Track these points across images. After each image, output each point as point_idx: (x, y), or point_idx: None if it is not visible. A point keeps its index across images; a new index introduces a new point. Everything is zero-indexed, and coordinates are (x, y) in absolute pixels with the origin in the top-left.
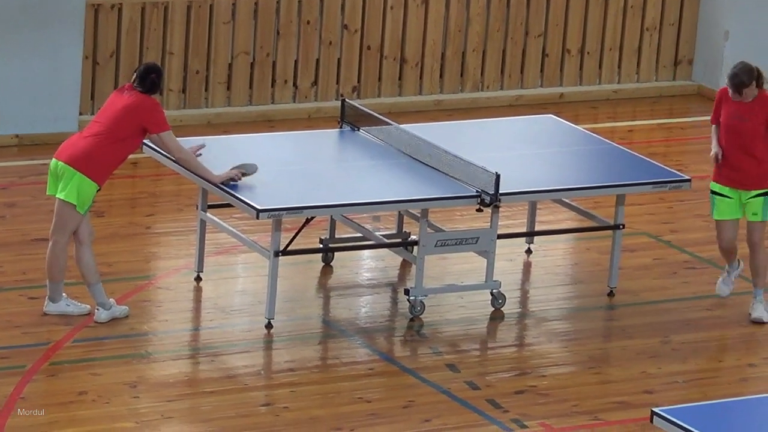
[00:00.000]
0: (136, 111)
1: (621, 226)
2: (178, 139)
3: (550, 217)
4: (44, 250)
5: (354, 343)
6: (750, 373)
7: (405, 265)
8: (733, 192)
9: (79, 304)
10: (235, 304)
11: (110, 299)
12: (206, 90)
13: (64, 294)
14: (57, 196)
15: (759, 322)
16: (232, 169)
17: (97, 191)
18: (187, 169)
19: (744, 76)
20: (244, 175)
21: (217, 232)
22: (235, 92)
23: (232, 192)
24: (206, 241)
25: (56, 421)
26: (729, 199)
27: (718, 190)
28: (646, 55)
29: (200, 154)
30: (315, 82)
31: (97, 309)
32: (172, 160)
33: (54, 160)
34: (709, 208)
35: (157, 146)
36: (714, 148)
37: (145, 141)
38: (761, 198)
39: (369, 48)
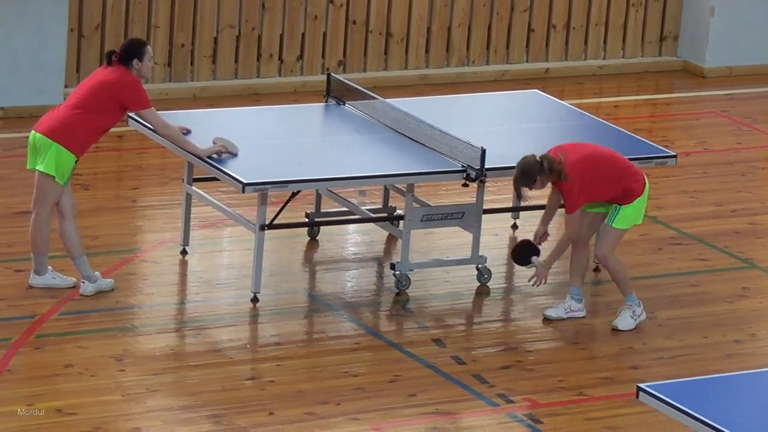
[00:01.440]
0: (114, 87)
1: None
2: (163, 113)
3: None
4: (29, 222)
5: (340, 317)
6: (735, 349)
7: (391, 240)
8: None
9: (64, 277)
10: (221, 278)
11: (96, 272)
12: (192, 64)
13: (49, 267)
14: (36, 168)
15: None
16: (215, 141)
17: (76, 162)
18: (173, 144)
19: (526, 178)
20: (226, 151)
21: (203, 205)
22: (221, 66)
23: (218, 166)
24: (192, 215)
25: (42, 394)
26: None
27: None
28: (632, 30)
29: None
30: (301, 56)
31: (83, 282)
32: (153, 131)
33: (32, 132)
34: (694, 185)
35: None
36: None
37: (130, 114)
38: None
39: (354, 22)
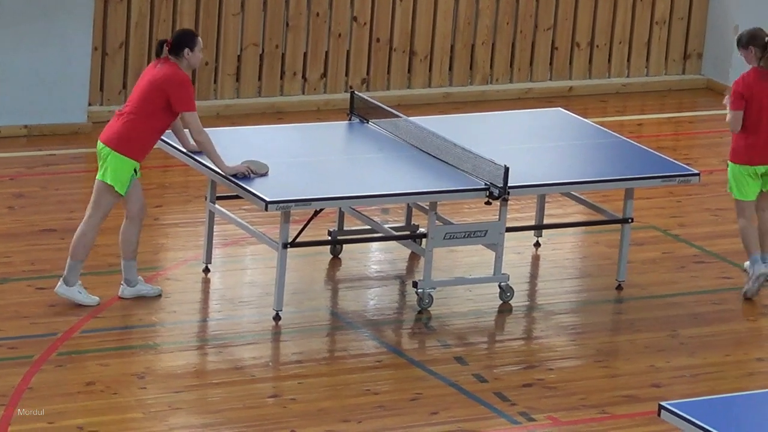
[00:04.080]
0: (165, 83)
1: (630, 220)
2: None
3: (558, 210)
4: (52, 240)
5: (362, 335)
6: (758, 367)
7: (413, 258)
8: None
9: (89, 295)
10: (243, 296)
11: (139, 277)
12: (215, 82)
13: (78, 281)
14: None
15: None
16: (243, 163)
17: (138, 167)
18: (202, 152)
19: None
20: (253, 173)
21: (226, 223)
22: (244, 84)
23: (241, 184)
24: (214, 233)
25: (64, 412)
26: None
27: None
28: (656, 48)
29: None
30: (324, 74)
31: (122, 284)
32: (181, 151)
33: (98, 141)
34: (717, 203)
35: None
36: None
37: None
38: None
39: (378, 40)
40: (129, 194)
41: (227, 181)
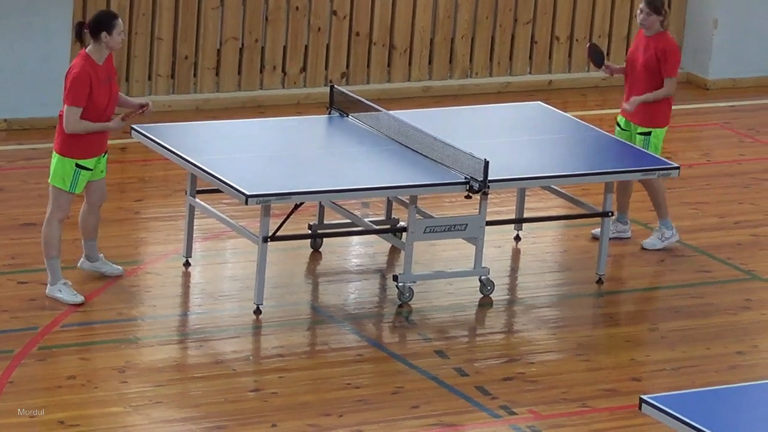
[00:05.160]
0: (66, 79)
1: (610, 214)
2: (166, 125)
3: (538, 204)
4: (33, 235)
5: (343, 329)
6: (738, 360)
7: (394, 252)
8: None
9: (74, 294)
10: (223, 290)
11: (101, 254)
12: (195, 75)
13: (62, 278)
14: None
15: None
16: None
17: (78, 165)
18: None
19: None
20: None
21: (206, 217)
22: (224, 78)
23: (221, 177)
24: (195, 227)
25: (45, 406)
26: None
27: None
28: None
29: (143, 112)
30: (304, 68)
31: (82, 258)
32: (156, 142)
33: None
34: (696, 196)
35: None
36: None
37: (132, 126)
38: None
39: (358, 34)
40: (89, 187)
41: (207, 174)
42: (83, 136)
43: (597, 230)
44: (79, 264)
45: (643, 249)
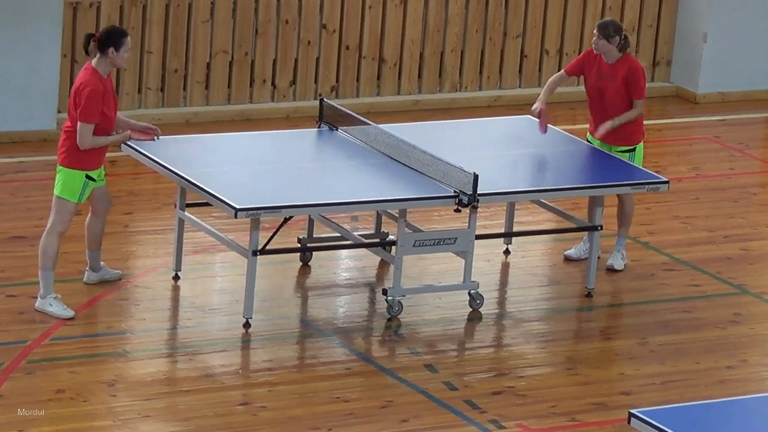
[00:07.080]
0: (76, 95)
1: (599, 228)
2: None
3: (528, 217)
4: (22, 248)
5: (332, 342)
6: (727, 375)
7: (383, 265)
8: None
9: (65, 308)
10: (213, 303)
11: (102, 263)
12: (185, 89)
13: (53, 292)
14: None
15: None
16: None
17: (89, 175)
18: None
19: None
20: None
21: (195, 230)
22: (214, 91)
23: (211, 191)
24: (184, 240)
25: (34, 419)
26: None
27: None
28: None
29: (153, 139)
30: (293, 82)
31: (87, 270)
32: (146, 156)
33: None
34: (686, 210)
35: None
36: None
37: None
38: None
39: (347, 48)
40: (95, 195)
41: (197, 188)
42: (91, 149)
43: (570, 251)
44: (84, 279)
45: (614, 270)
